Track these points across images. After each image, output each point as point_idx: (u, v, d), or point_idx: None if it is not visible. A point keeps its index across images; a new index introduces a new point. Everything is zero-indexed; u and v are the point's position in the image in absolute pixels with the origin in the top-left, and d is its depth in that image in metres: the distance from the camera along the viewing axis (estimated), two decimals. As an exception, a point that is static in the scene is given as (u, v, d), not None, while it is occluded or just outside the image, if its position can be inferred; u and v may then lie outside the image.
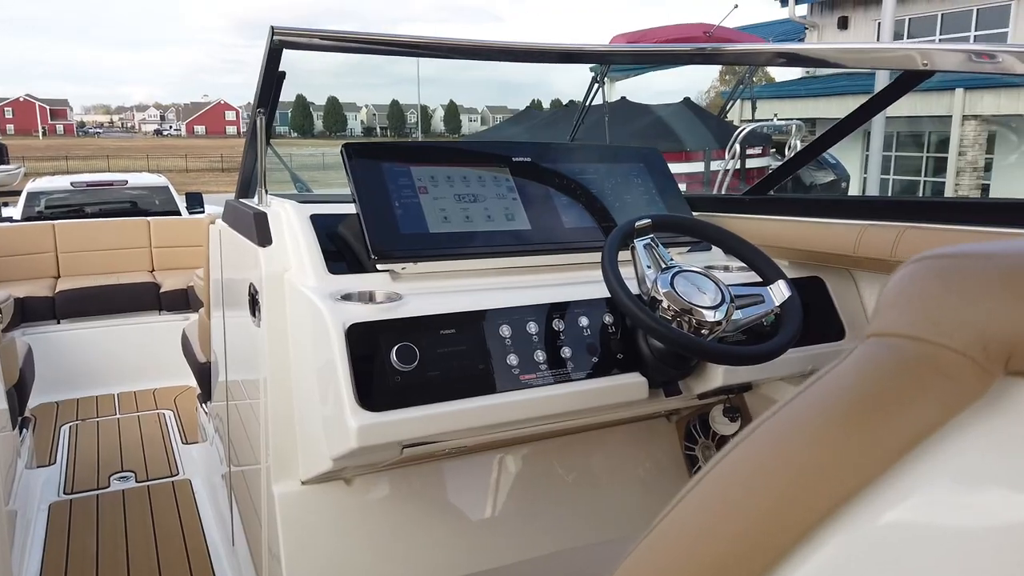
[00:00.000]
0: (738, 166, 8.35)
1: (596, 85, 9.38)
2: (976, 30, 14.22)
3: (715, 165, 9.09)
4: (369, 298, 1.33)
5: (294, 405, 1.41)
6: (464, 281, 1.46)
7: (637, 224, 1.40)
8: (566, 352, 1.34)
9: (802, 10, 16.34)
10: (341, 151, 1.47)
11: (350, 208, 1.47)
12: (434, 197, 1.49)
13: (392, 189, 1.46)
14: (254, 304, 1.50)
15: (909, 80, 1.52)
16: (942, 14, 14.39)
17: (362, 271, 1.42)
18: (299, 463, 1.43)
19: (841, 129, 1.69)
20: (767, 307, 1.36)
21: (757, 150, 9.46)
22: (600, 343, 1.38)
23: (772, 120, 9.80)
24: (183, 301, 4.07)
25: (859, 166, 13.79)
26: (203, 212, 5.76)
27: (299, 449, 1.42)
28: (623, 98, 10.89)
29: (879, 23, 15.60)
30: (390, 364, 1.20)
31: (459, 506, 1.64)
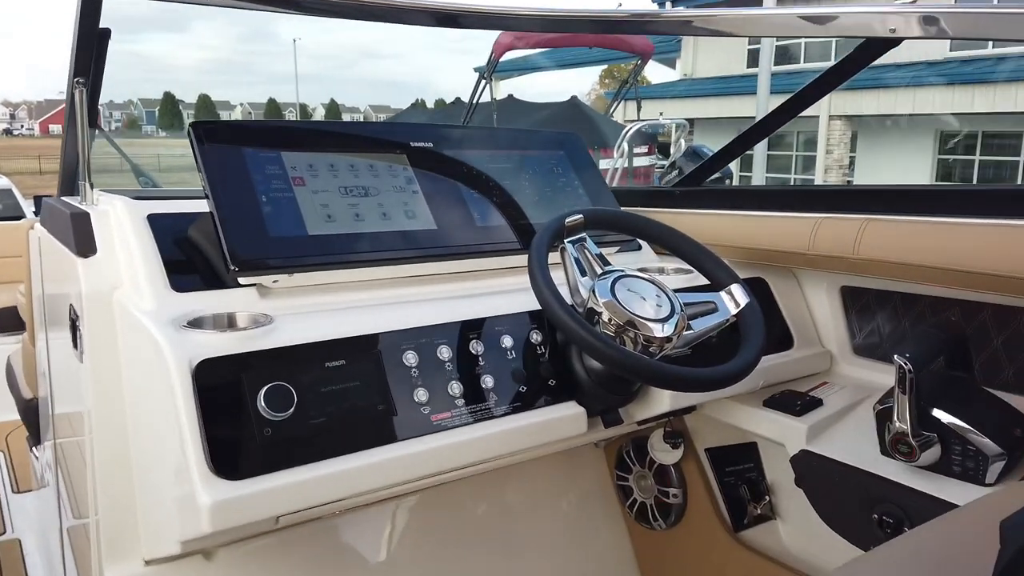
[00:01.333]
0: (627, 164, 8.36)
1: (483, 82, 9.19)
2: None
3: (602, 164, 9.09)
4: (227, 323, 1.01)
5: (132, 467, 1.07)
6: (355, 295, 1.17)
7: (568, 221, 1.16)
8: (487, 381, 1.08)
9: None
10: (188, 131, 1.14)
11: (203, 206, 1.14)
12: (313, 190, 1.18)
13: (258, 180, 1.14)
14: (75, 332, 1.14)
15: (874, 49, 1.35)
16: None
17: (219, 286, 1.10)
18: (140, 539, 1.09)
19: (787, 110, 1.51)
20: (721, 316, 1.15)
21: (643, 148, 9.54)
22: (527, 367, 1.12)
23: (658, 119, 9.90)
24: (14, 320, 3.48)
25: (736, 164, 14.28)
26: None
27: (140, 523, 1.08)
28: (510, 96, 10.77)
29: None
30: (257, 413, 0.89)
31: (358, 569, 1.34)
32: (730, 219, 1.44)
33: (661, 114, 11.06)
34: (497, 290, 1.25)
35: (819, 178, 14.80)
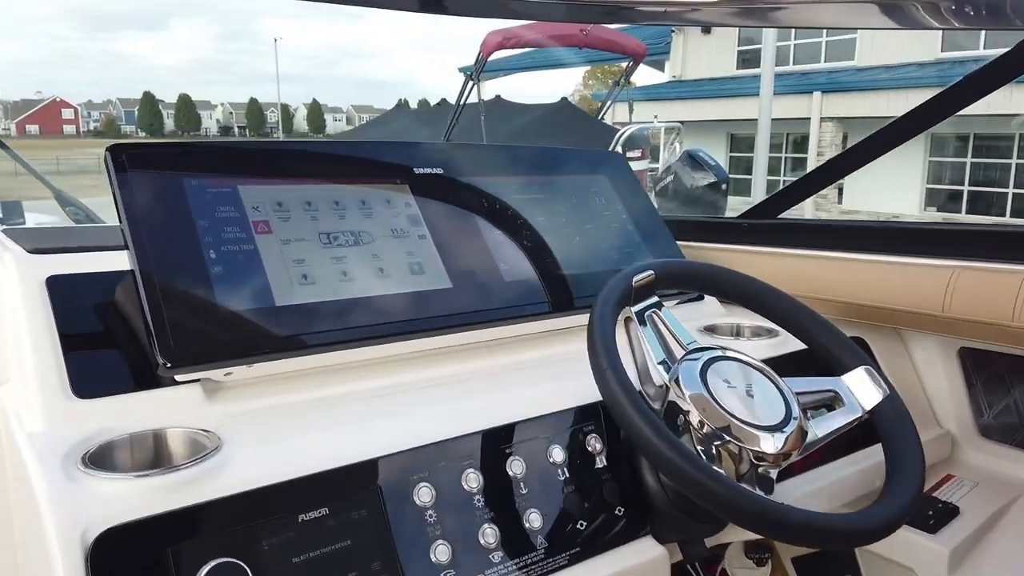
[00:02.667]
0: (621, 169, 8.07)
1: (471, 83, 8.87)
2: (827, 35, 14.84)
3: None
4: (151, 456, 0.68)
5: None
6: (341, 389, 0.84)
7: (636, 280, 0.84)
8: (533, 520, 0.76)
9: (668, 13, 16.52)
10: (105, 158, 0.81)
11: (124, 260, 0.81)
12: (283, 239, 0.86)
13: (204, 228, 0.81)
14: None
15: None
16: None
17: (146, 385, 0.77)
18: None
19: (906, 127, 1.20)
20: (848, 414, 0.83)
21: (636, 152, 9.24)
22: (586, 490, 0.81)
23: (652, 122, 9.61)
24: None
25: (726, 168, 14.04)
26: (23, 223, 4.67)
27: None
28: (498, 96, 10.43)
29: (739, 29, 16.07)
30: None
31: None
32: (836, 263, 1.13)
33: (656, 117, 10.78)
34: (531, 365, 0.94)
35: (810, 181, 14.57)
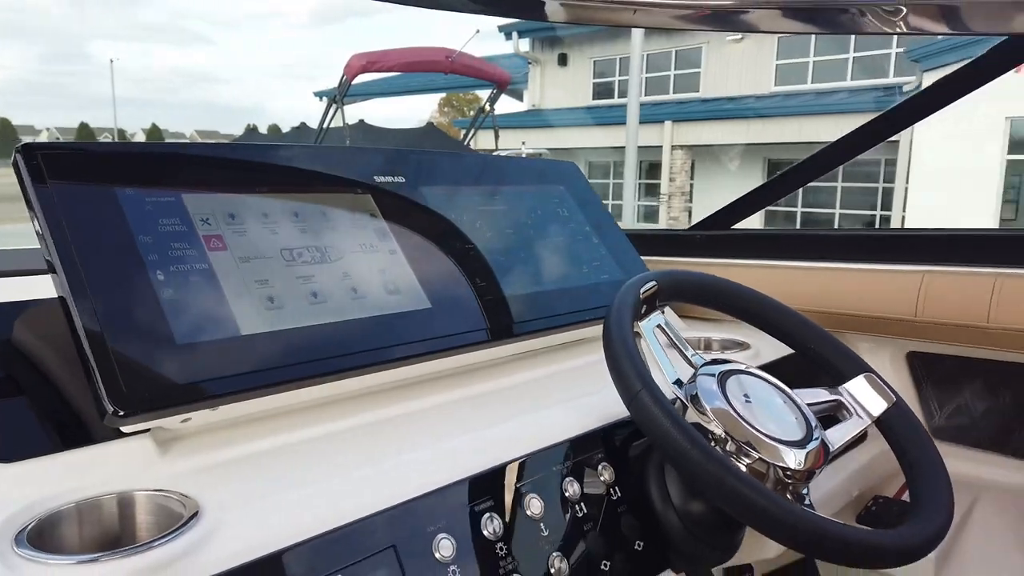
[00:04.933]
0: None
1: (334, 106, 8.66)
2: (675, 69, 15.78)
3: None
4: (109, 533, 0.54)
5: None
6: (321, 428, 0.72)
7: (643, 291, 0.78)
8: (559, 565, 0.67)
9: (525, 46, 16.99)
10: (15, 161, 0.65)
11: (43, 286, 0.66)
12: (241, 257, 0.73)
13: (145, 245, 0.67)
14: None
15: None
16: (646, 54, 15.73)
17: (83, 441, 0.61)
18: None
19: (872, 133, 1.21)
20: (856, 424, 0.81)
21: (504, 177, 9.36)
22: (606, 526, 0.73)
23: (520, 148, 9.76)
24: None
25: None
26: None
27: None
28: (362, 121, 10.23)
29: (593, 60, 16.74)
30: None
31: None
32: (807, 272, 1.12)
33: (524, 143, 10.96)
34: (526, 387, 0.86)
35: (663, 207, 15.33)
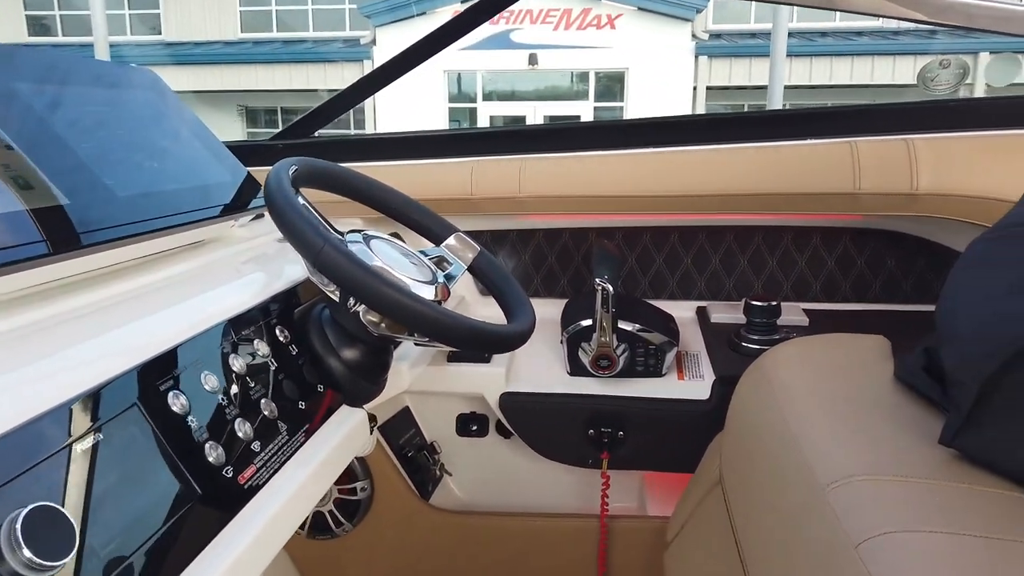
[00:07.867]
0: None
1: None
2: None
3: None
4: None
5: None
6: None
7: (291, 171, 0.89)
8: (271, 408, 0.77)
9: None
10: None
11: None
12: None
13: None
14: None
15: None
16: None
17: None
18: None
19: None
20: (457, 267, 1.06)
21: None
22: (293, 376, 0.84)
23: None
24: None
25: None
26: None
27: None
28: None
29: None
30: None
31: None
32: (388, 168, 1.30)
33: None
34: (196, 273, 0.89)
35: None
